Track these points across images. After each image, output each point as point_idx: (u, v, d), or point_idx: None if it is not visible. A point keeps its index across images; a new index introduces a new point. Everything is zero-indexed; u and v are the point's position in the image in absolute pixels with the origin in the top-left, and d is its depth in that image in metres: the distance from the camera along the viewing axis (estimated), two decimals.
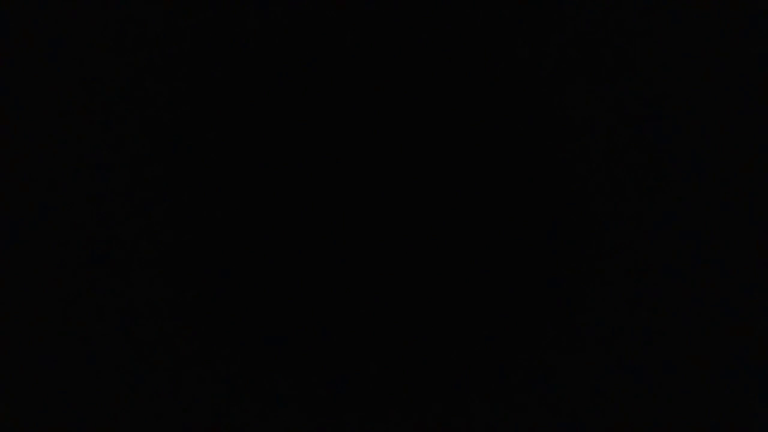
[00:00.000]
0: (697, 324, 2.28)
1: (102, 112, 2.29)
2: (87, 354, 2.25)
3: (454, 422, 2.25)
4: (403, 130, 2.30)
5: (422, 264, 2.29)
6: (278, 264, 2.28)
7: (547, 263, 2.28)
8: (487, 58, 2.29)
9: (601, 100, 2.30)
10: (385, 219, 2.29)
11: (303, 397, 2.26)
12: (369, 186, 2.29)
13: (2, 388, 2.24)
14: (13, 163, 2.27)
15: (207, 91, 2.30)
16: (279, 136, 2.30)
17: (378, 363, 2.27)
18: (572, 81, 2.30)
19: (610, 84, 2.30)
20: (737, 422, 2.25)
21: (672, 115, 2.31)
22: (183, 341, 2.26)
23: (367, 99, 2.30)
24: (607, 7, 2.30)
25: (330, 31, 2.29)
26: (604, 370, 2.26)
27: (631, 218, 2.29)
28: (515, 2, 2.28)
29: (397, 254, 2.29)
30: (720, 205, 2.29)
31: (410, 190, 2.29)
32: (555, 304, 2.28)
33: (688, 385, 2.26)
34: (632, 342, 2.27)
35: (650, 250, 2.28)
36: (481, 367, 2.27)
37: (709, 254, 2.29)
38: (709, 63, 2.31)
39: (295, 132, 2.30)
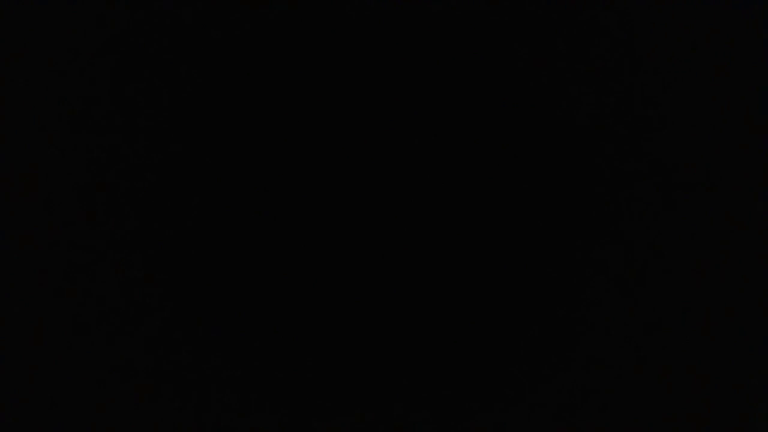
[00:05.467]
0: (696, 324, 2.28)
1: (101, 112, 2.29)
2: (86, 354, 2.25)
3: (452, 422, 2.26)
4: (403, 131, 2.31)
5: (421, 263, 2.29)
6: (277, 264, 2.29)
7: (547, 264, 2.29)
8: (485, 59, 2.30)
9: (600, 99, 2.30)
10: (384, 220, 2.29)
11: (302, 398, 2.26)
12: (368, 186, 2.30)
13: (2, 388, 2.24)
14: (13, 163, 2.27)
15: (205, 91, 2.30)
16: (278, 136, 2.31)
17: (376, 364, 2.27)
18: (571, 80, 2.30)
19: (610, 84, 2.31)
20: (737, 422, 2.26)
21: (672, 115, 2.31)
22: (181, 342, 2.26)
23: (366, 99, 2.30)
24: (607, 8, 2.30)
25: (331, 31, 2.30)
26: (603, 371, 2.27)
27: (631, 218, 2.29)
28: (516, 2, 2.29)
29: (397, 254, 2.29)
30: (720, 205, 2.29)
31: (409, 189, 2.30)
32: (554, 305, 2.28)
33: (687, 384, 2.27)
34: (631, 342, 2.27)
35: (649, 250, 2.29)
36: (478, 367, 2.27)
37: (709, 254, 2.29)
38: (709, 63, 2.32)
39: (294, 132, 2.31)
